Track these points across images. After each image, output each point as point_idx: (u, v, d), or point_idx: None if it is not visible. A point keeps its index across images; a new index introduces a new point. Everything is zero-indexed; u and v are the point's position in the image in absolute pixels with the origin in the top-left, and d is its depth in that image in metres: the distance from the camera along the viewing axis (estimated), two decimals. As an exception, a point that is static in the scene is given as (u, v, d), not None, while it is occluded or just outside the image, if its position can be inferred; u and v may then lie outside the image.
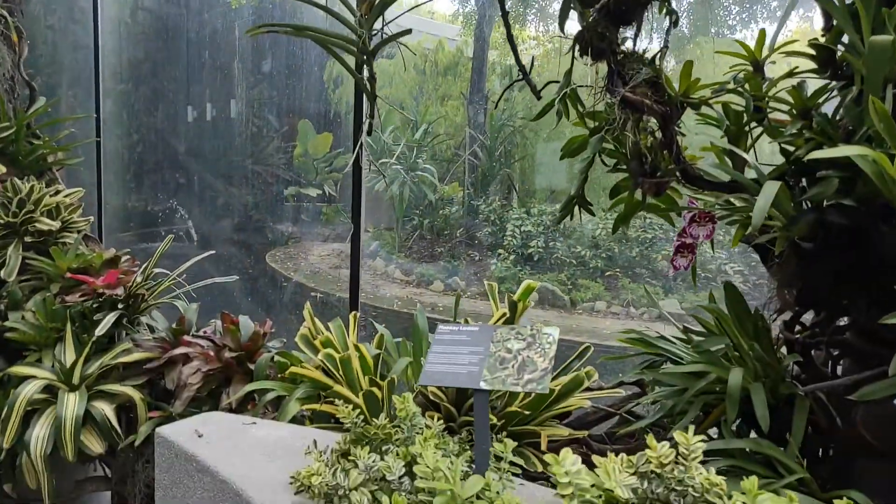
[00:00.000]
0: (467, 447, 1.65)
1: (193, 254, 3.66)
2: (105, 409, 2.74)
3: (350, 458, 1.44)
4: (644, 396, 2.45)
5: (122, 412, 2.98)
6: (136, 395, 2.82)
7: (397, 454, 1.42)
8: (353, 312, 2.56)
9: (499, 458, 1.37)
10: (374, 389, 2.20)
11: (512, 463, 1.36)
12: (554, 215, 9.11)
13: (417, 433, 1.48)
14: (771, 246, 2.05)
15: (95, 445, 2.70)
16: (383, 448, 1.52)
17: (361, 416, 1.64)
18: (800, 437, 1.81)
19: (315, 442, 1.63)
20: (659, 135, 1.98)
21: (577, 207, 2.23)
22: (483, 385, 1.47)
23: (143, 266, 3.37)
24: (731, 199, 2.07)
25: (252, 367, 2.72)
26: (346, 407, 1.63)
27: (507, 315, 2.38)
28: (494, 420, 2.17)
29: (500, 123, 10.66)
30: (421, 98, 12.71)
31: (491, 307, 2.48)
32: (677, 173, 2.01)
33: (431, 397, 2.23)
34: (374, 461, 1.38)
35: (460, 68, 12.82)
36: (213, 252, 3.77)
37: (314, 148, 12.12)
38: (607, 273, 8.27)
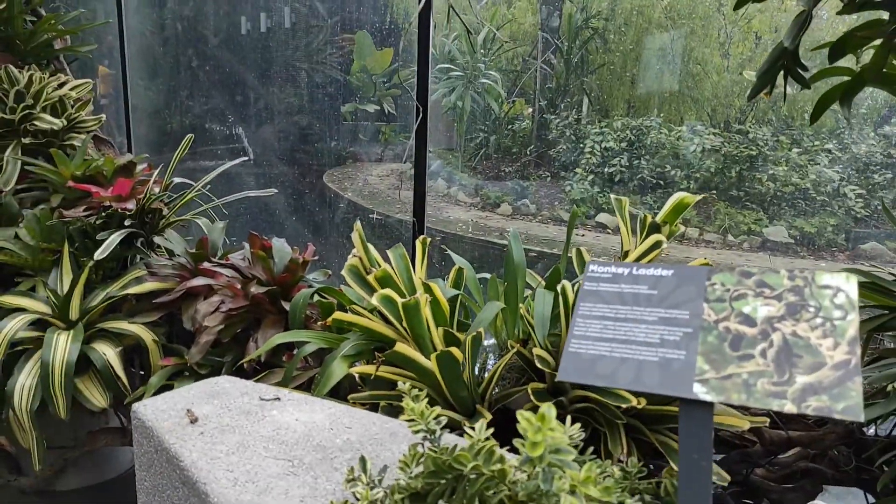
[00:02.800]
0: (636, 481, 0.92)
1: (247, 172, 3.00)
2: (107, 352, 2.17)
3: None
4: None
5: (135, 355, 2.42)
6: (148, 336, 2.23)
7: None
8: (422, 237, 1.83)
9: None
10: (453, 350, 1.50)
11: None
12: (640, 129, 8.02)
13: (559, 476, 0.75)
14: None
15: (97, 397, 2.15)
16: (489, 494, 0.81)
17: (440, 417, 0.94)
18: None
19: (363, 462, 0.94)
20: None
21: (782, 72, 1.39)
22: (700, 391, 0.73)
23: (163, 173, 2.72)
24: None
25: (288, 306, 2.06)
26: (416, 401, 0.93)
27: (647, 247, 1.60)
28: (624, 420, 1.44)
29: (577, 26, 9.40)
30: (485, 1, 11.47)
31: (621, 236, 1.70)
32: None
33: (537, 363, 1.51)
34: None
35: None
36: (248, 159, 3.08)
37: (373, 64, 11.24)
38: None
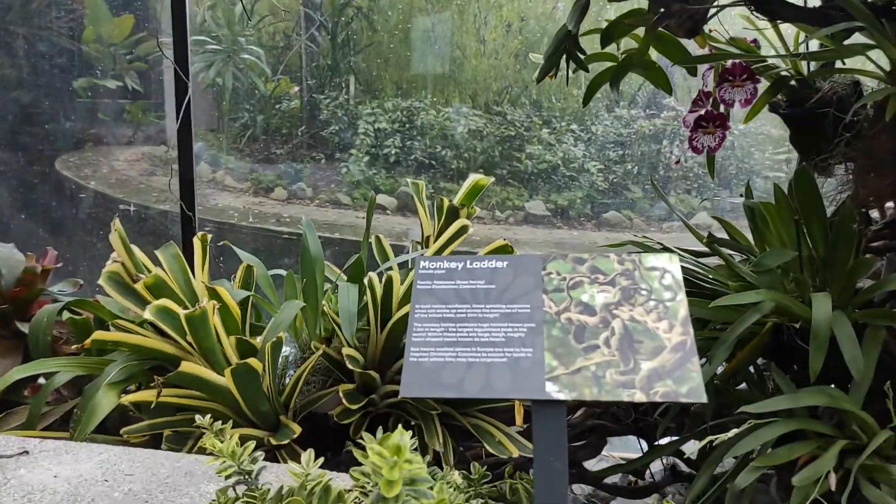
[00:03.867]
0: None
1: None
2: None
3: None
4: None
5: None
6: None
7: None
8: (201, 234, 1.59)
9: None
10: (250, 361, 1.32)
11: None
12: (410, 110, 8.19)
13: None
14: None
15: None
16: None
17: (256, 454, 0.80)
18: (868, 383, 1.30)
19: (160, 528, 0.75)
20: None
21: (564, 57, 1.44)
22: (553, 390, 0.69)
23: None
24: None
25: (26, 328, 1.66)
26: (221, 436, 0.76)
27: (450, 233, 1.58)
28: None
29: (340, 3, 9.22)
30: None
31: (420, 220, 1.66)
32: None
33: (349, 363, 1.40)
34: None
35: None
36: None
37: (110, 32, 9.79)
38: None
